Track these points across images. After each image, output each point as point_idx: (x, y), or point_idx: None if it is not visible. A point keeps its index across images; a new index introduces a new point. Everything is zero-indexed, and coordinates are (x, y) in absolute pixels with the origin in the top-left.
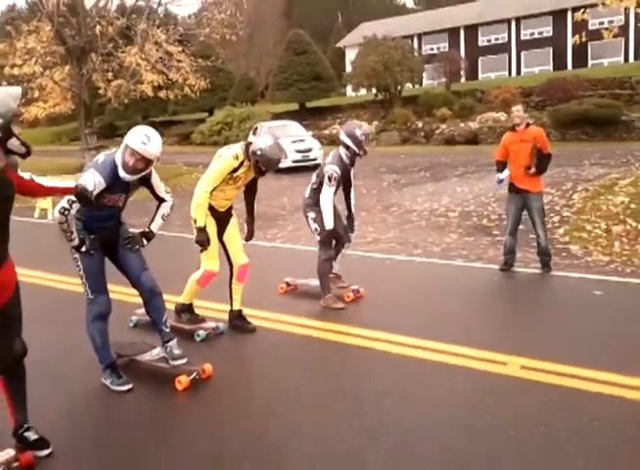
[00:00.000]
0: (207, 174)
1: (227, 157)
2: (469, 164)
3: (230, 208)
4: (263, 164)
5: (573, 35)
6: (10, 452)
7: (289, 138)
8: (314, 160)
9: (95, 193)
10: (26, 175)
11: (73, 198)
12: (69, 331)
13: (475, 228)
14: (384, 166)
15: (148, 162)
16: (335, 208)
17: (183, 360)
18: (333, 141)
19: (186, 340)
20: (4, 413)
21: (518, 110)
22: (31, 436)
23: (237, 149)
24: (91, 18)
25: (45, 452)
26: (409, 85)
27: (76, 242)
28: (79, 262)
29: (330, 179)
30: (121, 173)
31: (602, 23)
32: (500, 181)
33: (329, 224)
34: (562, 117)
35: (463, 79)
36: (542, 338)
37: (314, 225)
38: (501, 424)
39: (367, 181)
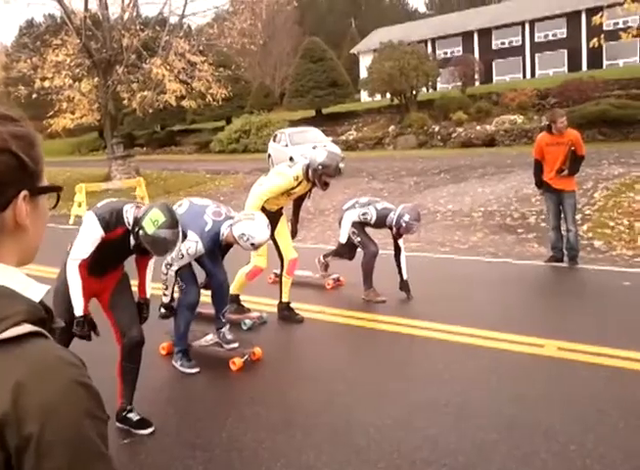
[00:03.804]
0: (266, 186)
1: (288, 177)
2: (488, 165)
3: (281, 208)
4: (329, 173)
5: (588, 37)
6: None
7: (309, 144)
8: None
9: (195, 257)
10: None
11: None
12: None
13: (499, 227)
14: (403, 170)
15: None
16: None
17: (235, 344)
18: (350, 146)
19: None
20: None
21: (562, 122)
22: (134, 417)
23: (298, 170)
24: (117, 31)
25: (147, 431)
26: (424, 90)
27: (166, 299)
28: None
29: None
30: (224, 240)
31: (617, 24)
32: None
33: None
34: (578, 119)
35: (477, 83)
36: (577, 323)
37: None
38: (549, 395)
39: (388, 184)
